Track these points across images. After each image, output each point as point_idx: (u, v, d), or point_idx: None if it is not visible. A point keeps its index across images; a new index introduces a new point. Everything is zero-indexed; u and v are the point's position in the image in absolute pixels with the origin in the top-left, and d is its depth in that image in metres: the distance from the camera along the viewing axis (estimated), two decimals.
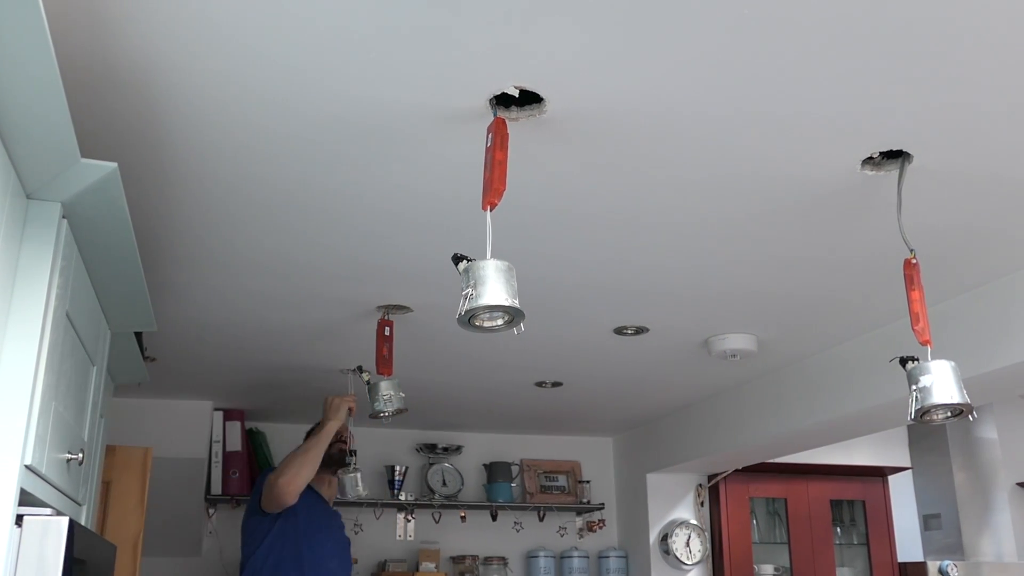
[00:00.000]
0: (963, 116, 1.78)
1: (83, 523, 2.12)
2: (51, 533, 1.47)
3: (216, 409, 4.35)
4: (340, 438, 3.42)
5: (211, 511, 4.47)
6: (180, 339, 3.29)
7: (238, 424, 4.37)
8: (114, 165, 1.57)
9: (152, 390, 3.98)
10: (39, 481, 1.58)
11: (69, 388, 1.78)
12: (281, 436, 4.69)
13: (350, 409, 3.30)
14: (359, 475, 3.34)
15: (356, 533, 4.65)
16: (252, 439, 4.52)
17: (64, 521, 1.49)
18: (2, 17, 1.13)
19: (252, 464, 4.46)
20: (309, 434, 3.37)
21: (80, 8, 1.45)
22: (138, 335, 2.70)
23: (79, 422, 1.93)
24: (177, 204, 2.18)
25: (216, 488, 4.30)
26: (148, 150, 1.91)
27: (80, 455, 1.84)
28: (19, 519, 1.44)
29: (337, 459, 3.40)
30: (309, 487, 3.28)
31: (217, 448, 4.33)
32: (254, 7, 1.46)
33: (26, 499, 1.50)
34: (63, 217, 1.61)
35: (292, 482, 3.12)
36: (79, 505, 2.05)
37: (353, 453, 3.40)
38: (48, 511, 1.51)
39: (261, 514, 3.26)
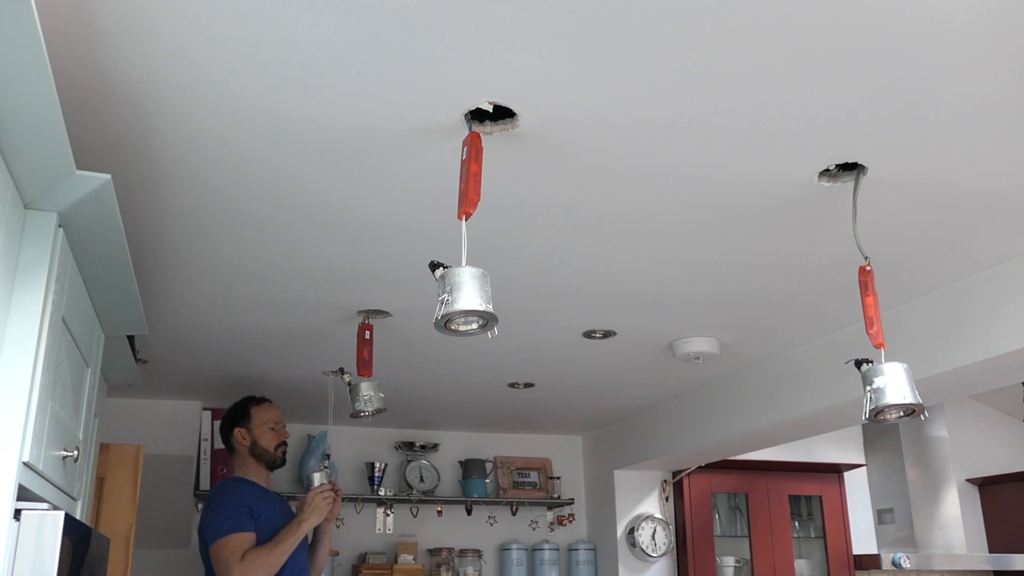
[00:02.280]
0: (915, 131, 1.81)
1: (78, 517, 2.12)
2: (47, 527, 1.47)
3: (205, 408, 4.33)
4: (282, 440, 3.33)
5: (200, 506, 4.44)
6: (170, 342, 3.28)
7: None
8: (108, 177, 1.58)
9: (144, 391, 3.97)
10: (36, 477, 1.58)
11: (65, 389, 1.78)
12: None
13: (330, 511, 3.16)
14: (324, 472, 3.22)
15: (338, 527, 4.64)
16: None
17: (60, 515, 1.49)
18: None
19: None
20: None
21: (75, 25, 1.46)
22: (130, 338, 2.69)
23: (74, 421, 1.93)
24: (168, 213, 2.18)
25: (205, 484, 4.27)
26: (140, 162, 1.91)
27: (75, 452, 1.84)
28: (17, 513, 1.44)
29: (280, 463, 3.33)
30: (251, 483, 3.20)
31: (206, 446, 4.30)
32: (242, 27, 1.47)
33: (24, 494, 1.50)
34: (59, 226, 1.61)
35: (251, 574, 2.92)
36: (74, 500, 2.04)
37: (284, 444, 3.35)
38: (45, 506, 1.51)
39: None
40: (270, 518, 3.11)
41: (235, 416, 3.34)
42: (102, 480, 2.88)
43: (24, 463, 1.47)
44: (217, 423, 4.30)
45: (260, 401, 3.39)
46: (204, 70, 1.59)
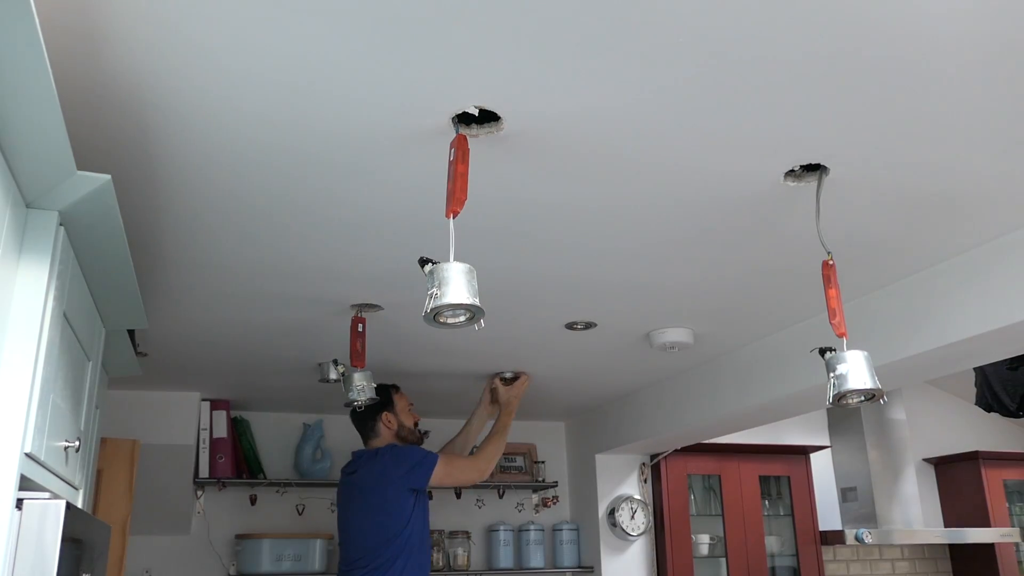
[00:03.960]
0: (874, 135, 1.81)
1: (80, 506, 2.09)
2: (49, 516, 1.45)
3: (204, 399, 4.29)
4: (416, 420, 3.64)
5: (199, 493, 4.42)
6: (170, 336, 3.25)
7: (224, 413, 4.32)
8: (108, 177, 1.55)
9: (144, 382, 3.93)
10: (38, 467, 1.55)
11: (66, 381, 1.75)
12: (264, 423, 4.65)
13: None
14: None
15: (333, 511, 4.61)
16: (237, 426, 4.47)
17: (61, 504, 1.47)
18: (0, 37, 1.11)
19: (237, 449, 4.41)
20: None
21: (76, 28, 1.43)
22: (131, 332, 2.66)
23: (76, 413, 1.90)
24: (167, 212, 2.15)
25: (204, 472, 4.24)
26: (140, 163, 1.88)
27: (76, 443, 1.81)
28: (19, 503, 1.42)
29: (420, 441, 3.61)
30: None
31: (204, 435, 4.27)
32: (235, 33, 1.45)
33: (26, 484, 1.48)
34: (60, 225, 1.59)
35: (490, 467, 3.53)
36: (76, 489, 2.02)
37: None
38: (46, 495, 1.49)
39: (410, 491, 3.33)
40: (424, 496, 3.43)
41: (380, 403, 3.43)
42: (100, 472, 2.87)
43: (26, 454, 1.44)
44: (216, 413, 4.28)
45: (396, 387, 3.60)
46: (201, 74, 1.56)
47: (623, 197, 2.11)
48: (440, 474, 3.37)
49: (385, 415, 3.52)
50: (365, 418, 3.52)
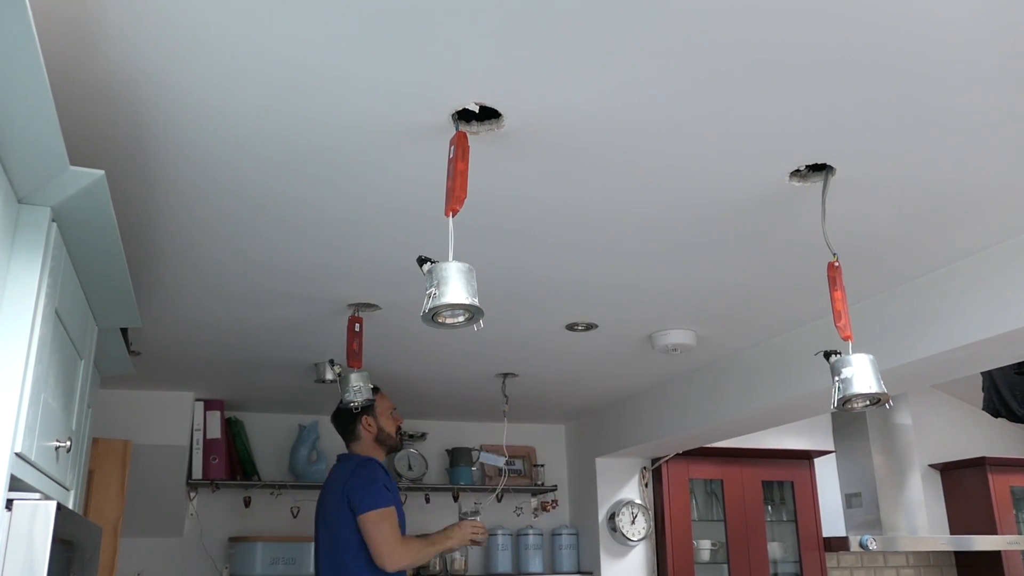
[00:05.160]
0: (883, 134, 1.81)
1: (71, 507, 2.09)
2: (39, 517, 1.44)
3: (197, 399, 4.29)
4: (399, 425, 3.53)
5: (192, 495, 4.42)
6: (164, 334, 3.25)
7: (218, 413, 4.32)
8: (101, 172, 1.55)
9: (137, 382, 3.93)
10: (28, 468, 1.55)
11: (58, 380, 1.75)
12: (258, 424, 4.65)
13: (473, 542, 3.43)
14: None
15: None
16: (231, 427, 4.47)
17: (52, 505, 1.46)
18: None
19: (231, 450, 4.41)
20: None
21: (70, 21, 1.43)
22: (123, 330, 2.66)
23: (67, 412, 1.90)
24: (162, 209, 2.15)
25: (197, 473, 4.24)
26: (135, 158, 1.88)
27: (68, 443, 1.81)
28: (9, 503, 1.42)
29: (400, 447, 3.55)
30: (382, 466, 3.37)
31: (198, 436, 4.27)
32: (233, 27, 1.45)
33: (16, 484, 1.47)
34: (52, 221, 1.58)
35: (406, 559, 3.18)
36: (67, 490, 2.01)
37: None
38: (37, 496, 1.48)
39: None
40: (398, 501, 3.30)
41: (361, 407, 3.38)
42: (92, 472, 2.86)
43: (16, 454, 1.44)
44: (210, 413, 4.28)
45: (378, 390, 3.48)
46: (197, 68, 1.56)
47: (625, 196, 2.11)
48: (370, 519, 3.16)
49: (365, 419, 3.43)
50: (345, 421, 3.46)
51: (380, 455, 3.45)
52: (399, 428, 3.55)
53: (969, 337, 2.47)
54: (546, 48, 1.51)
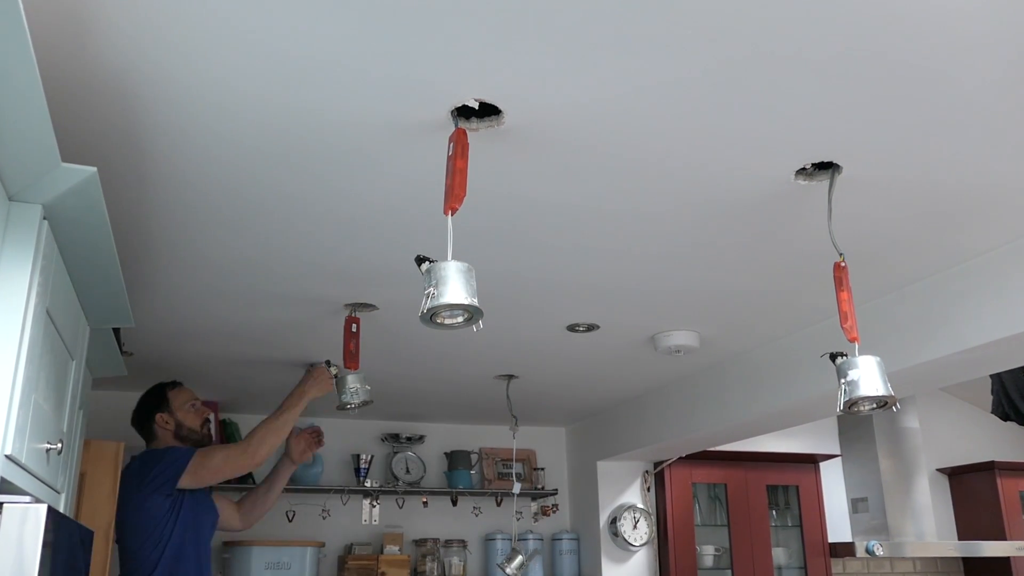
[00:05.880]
0: (890, 131, 1.81)
1: (62, 510, 2.09)
2: (30, 520, 1.44)
3: None
4: (204, 417, 3.28)
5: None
6: (157, 334, 3.25)
7: (212, 415, 4.31)
8: (93, 169, 1.55)
9: (129, 383, 3.92)
10: (19, 470, 1.55)
11: (49, 381, 1.75)
12: (253, 426, 4.63)
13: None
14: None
15: (324, 518, 4.62)
16: (225, 428, 4.47)
17: (43, 508, 1.46)
18: None
19: None
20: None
21: (62, 15, 1.43)
22: (116, 330, 2.66)
23: (58, 414, 1.90)
24: (156, 207, 2.15)
25: None
26: (128, 155, 1.88)
27: (59, 445, 1.81)
28: None
29: (208, 440, 3.29)
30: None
31: None
32: (228, 23, 1.45)
33: (6, 487, 1.47)
34: (44, 218, 1.58)
35: (259, 450, 3.02)
36: (58, 493, 2.01)
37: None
38: (27, 499, 1.48)
39: (163, 494, 2.99)
40: (198, 496, 3.10)
41: (152, 403, 3.25)
42: (84, 475, 2.86)
43: (6, 456, 1.43)
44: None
45: (174, 384, 3.33)
46: (192, 64, 1.56)
47: (628, 195, 2.11)
48: (195, 466, 2.98)
49: (160, 416, 3.20)
50: (141, 421, 3.25)
51: None
52: (206, 420, 3.31)
53: (978, 339, 2.47)
54: (548, 42, 1.51)
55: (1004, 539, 5.11)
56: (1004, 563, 5.16)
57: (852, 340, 2.01)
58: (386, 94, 1.66)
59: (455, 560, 4.68)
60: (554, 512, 5.03)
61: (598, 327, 3.19)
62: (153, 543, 2.97)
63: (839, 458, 5.36)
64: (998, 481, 5.26)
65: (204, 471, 3.01)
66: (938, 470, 5.55)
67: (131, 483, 3.00)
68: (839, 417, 5.28)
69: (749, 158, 1.92)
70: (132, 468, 3.06)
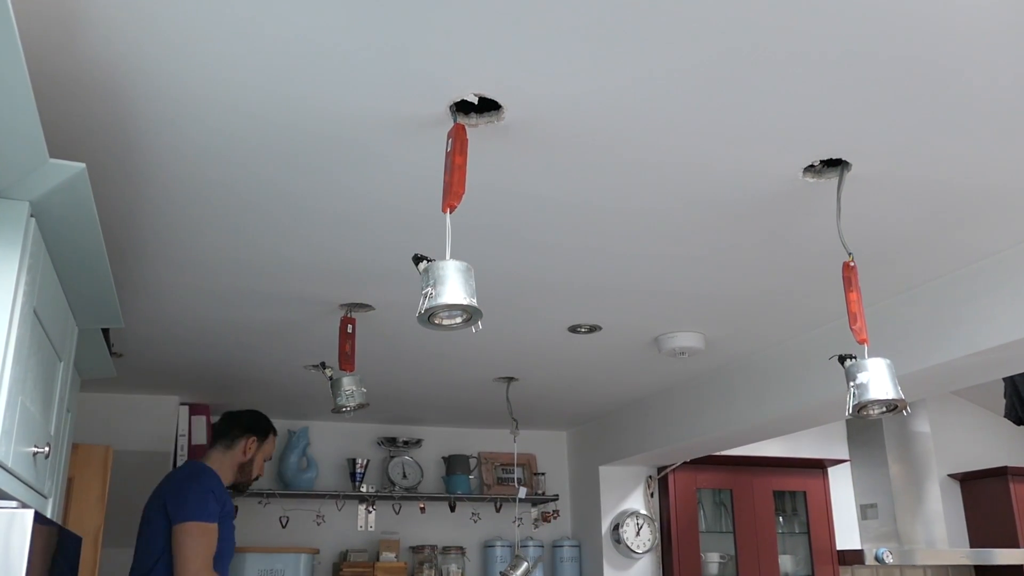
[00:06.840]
0: (900, 128, 1.81)
1: (49, 515, 2.09)
2: (16, 525, 1.44)
3: (182, 403, 4.29)
4: (256, 480, 3.42)
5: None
6: (147, 335, 3.25)
7: (203, 418, 4.32)
8: (82, 165, 1.55)
9: (118, 385, 3.93)
10: (5, 475, 1.55)
11: (36, 383, 1.75)
12: None
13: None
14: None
15: (318, 524, 4.62)
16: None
17: (29, 514, 1.46)
18: None
19: None
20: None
21: (50, 5, 1.43)
22: (105, 331, 2.66)
23: (46, 416, 1.90)
24: (146, 205, 2.15)
25: None
26: (117, 151, 1.88)
27: (46, 449, 1.81)
28: None
29: (244, 492, 3.44)
30: (220, 481, 3.16)
31: (183, 441, 4.26)
32: (222, 15, 1.45)
33: None
34: (31, 216, 1.58)
35: None
36: (45, 498, 2.01)
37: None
38: (14, 504, 1.48)
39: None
40: (227, 520, 3.12)
41: (255, 426, 3.36)
42: (71, 480, 2.86)
43: None
44: (195, 418, 4.27)
45: (275, 432, 3.47)
46: (184, 59, 1.56)
47: (631, 192, 2.11)
48: (185, 530, 2.94)
49: (251, 439, 3.33)
50: (232, 424, 3.36)
51: (228, 477, 3.27)
52: (257, 477, 3.42)
53: (991, 341, 2.47)
54: (548, 35, 1.51)
55: (1017, 547, 5.11)
56: (1017, 572, 5.15)
57: (861, 342, 2.01)
58: (383, 87, 1.66)
59: (453, 567, 4.68)
60: (555, 518, 5.03)
61: (600, 328, 3.19)
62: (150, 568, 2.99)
63: (848, 463, 5.36)
64: (1011, 487, 5.26)
65: (187, 537, 2.93)
66: (949, 476, 5.55)
67: (158, 499, 3.08)
68: (848, 421, 5.28)
69: (755, 154, 1.92)
70: (181, 473, 3.16)
